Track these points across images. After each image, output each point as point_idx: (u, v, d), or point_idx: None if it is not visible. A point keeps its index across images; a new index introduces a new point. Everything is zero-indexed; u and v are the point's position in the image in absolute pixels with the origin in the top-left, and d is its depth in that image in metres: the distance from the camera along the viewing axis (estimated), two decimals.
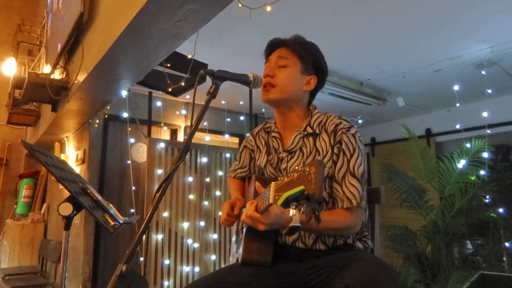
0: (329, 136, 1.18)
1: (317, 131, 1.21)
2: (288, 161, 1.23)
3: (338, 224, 1.09)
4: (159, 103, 4.01)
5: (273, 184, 0.87)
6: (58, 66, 2.76)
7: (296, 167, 0.82)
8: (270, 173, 1.28)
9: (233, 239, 1.39)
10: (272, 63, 1.25)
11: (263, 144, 1.35)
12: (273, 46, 1.29)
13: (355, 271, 0.92)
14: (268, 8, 2.21)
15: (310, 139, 1.21)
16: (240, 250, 1.13)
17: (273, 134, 1.31)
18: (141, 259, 3.16)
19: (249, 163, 1.42)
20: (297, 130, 1.25)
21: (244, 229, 1.13)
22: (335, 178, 1.14)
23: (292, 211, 0.84)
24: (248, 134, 1.47)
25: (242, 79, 1.11)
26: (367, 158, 5.91)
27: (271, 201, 0.85)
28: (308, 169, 0.75)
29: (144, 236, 1.18)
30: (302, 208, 0.76)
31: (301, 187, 0.74)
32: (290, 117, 1.26)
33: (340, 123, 1.18)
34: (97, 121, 3.76)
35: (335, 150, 1.15)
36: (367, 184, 1.22)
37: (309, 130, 1.22)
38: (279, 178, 0.86)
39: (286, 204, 0.78)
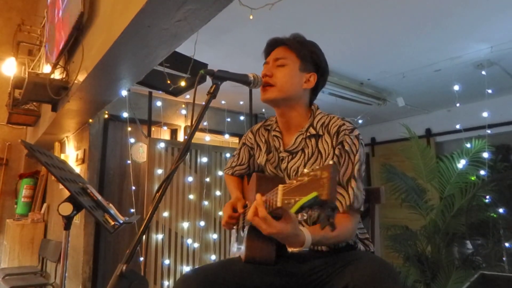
0: (331, 138, 1.16)
1: (320, 133, 1.19)
2: (289, 162, 1.22)
3: (341, 233, 1.06)
4: (159, 103, 4.01)
5: (280, 187, 0.85)
6: (58, 66, 2.76)
7: (306, 171, 0.78)
8: (270, 172, 1.27)
9: (233, 238, 1.38)
10: (270, 63, 1.24)
11: (263, 142, 1.33)
12: (272, 45, 1.28)
13: (356, 271, 0.91)
14: (269, 8, 2.21)
15: (313, 140, 1.20)
16: (243, 249, 1.12)
17: (274, 133, 1.30)
18: (141, 259, 3.16)
19: (248, 160, 1.41)
20: (299, 130, 1.23)
21: (246, 228, 1.13)
22: (339, 181, 1.12)
23: (304, 229, 0.88)
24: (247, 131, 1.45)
25: (242, 79, 1.11)
26: (367, 158, 5.91)
27: (279, 204, 0.83)
28: (320, 174, 0.73)
29: (144, 236, 1.18)
30: (314, 214, 0.76)
31: (315, 193, 0.72)
32: (291, 116, 1.25)
33: (343, 124, 1.16)
34: (97, 121, 3.76)
35: (336, 151, 1.14)
36: (367, 184, 1.22)
37: (312, 131, 1.20)
38: (287, 182, 0.84)
39: (300, 210, 0.76)
